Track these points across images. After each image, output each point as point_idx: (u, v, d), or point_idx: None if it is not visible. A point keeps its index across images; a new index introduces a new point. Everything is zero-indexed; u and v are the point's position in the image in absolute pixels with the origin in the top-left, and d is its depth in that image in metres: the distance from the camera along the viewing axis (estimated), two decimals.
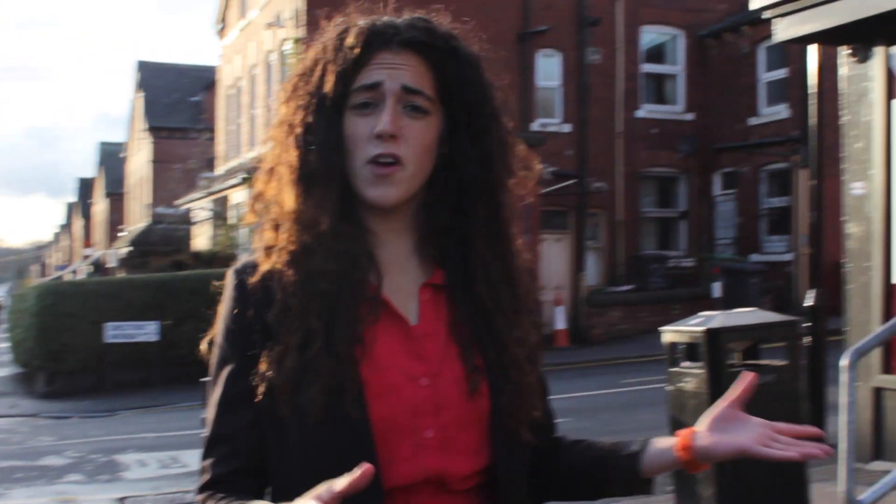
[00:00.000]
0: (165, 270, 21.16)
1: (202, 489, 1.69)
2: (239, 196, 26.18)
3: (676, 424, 6.68)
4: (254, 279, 1.72)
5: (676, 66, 26.47)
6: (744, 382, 1.76)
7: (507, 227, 1.80)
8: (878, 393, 7.78)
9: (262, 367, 1.66)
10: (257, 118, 28.42)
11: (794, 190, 23.12)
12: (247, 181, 24.79)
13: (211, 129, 35.60)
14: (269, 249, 1.75)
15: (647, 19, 25.82)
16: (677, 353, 6.94)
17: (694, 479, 6.49)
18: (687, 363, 6.82)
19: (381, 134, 1.67)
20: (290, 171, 1.74)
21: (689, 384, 6.57)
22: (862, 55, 8.61)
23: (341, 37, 1.76)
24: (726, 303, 18.95)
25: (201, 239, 30.08)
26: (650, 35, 26.23)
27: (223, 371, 1.72)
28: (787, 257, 23.24)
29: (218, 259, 24.09)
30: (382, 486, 1.62)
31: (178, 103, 44.73)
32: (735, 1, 26.14)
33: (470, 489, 1.71)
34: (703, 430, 1.77)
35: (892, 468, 7.40)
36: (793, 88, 23.31)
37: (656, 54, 26.53)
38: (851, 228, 8.71)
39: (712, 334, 6.47)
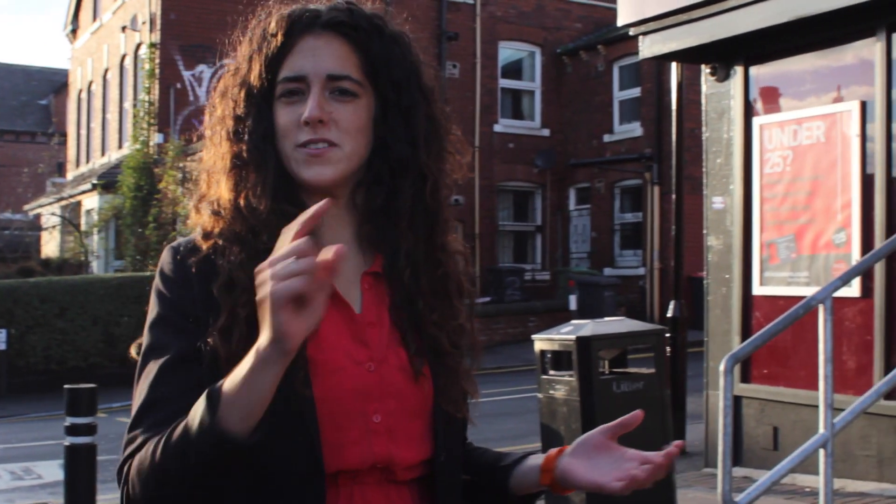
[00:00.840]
0: (12, 277, 20.38)
1: (135, 453, 1.57)
2: (91, 202, 25.47)
3: (547, 431, 6.77)
4: (194, 257, 1.68)
5: (534, 83, 26.90)
6: (629, 418, 1.78)
7: (435, 208, 1.78)
8: (738, 401, 8.02)
9: (209, 339, 1.61)
10: (110, 123, 27.74)
11: (646, 206, 23.73)
12: (97, 187, 24.17)
13: (62, 134, 34.59)
14: (207, 234, 1.71)
15: (504, 35, 26.19)
16: (547, 361, 7.04)
17: None
18: (554, 371, 6.92)
19: (308, 120, 1.65)
20: (224, 164, 1.72)
21: (560, 392, 6.66)
22: (722, 74, 8.89)
23: (264, 27, 1.74)
24: (582, 315, 19.29)
25: (51, 245, 29.17)
26: (508, 51, 26.61)
27: (160, 341, 1.65)
28: (640, 271, 23.83)
29: (68, 266, 23.39)
30: (324, 469, 1.60)
31: (25, 106, 43.36)
32: (590, 20, 26.77)
33: (412, 480, 1.70)
34: (567, 455, 1.78)
35: (750, 473, 7.66)
36: (646, 107, 23.96)
37: (514, 70, 26.92)
38: (712, 242, 8.97)
39: (583, 342, 6.57)
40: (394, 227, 1.73)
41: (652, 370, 6.84)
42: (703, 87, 9.19)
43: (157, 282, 1.71)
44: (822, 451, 4.71)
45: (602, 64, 25.34)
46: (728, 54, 8.74)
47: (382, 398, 1.67)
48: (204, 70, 22.36)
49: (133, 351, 1.73)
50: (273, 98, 1.71)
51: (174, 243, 1.75)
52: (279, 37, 1.70)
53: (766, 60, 8.59)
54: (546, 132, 26.54)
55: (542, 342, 7.03)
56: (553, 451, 1.81)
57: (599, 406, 6.49)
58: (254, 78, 1.71)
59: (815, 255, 7.99)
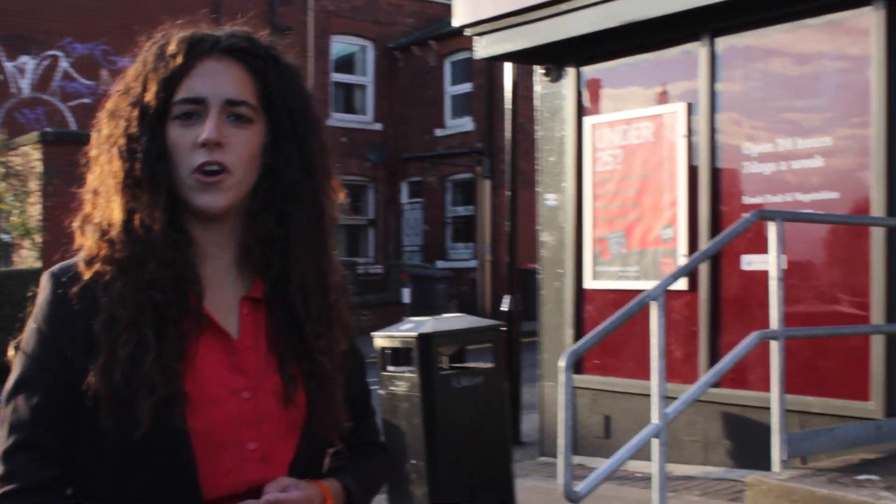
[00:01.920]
0: None
1: (10, 495, 1.60)
2: None
3: (389, 427, 6.86)
4: (75, 287, 1.68)
5: (366, 77, 26.95)
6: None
7: (325, 235, 1.84)
8: (572, 391, 8.27)
9: (89, 378, 1.61)
10: None
11: (477, 200, 24.08)
12: None
13: None
14: (91, 260, 1.71)
15: (337, 29, 26.15)
16: (387, 357, 7.13)
17: (406, 479, 6.70)
18: (393, 367, 7.01)
19: (206, 142, 1.67)
20: (115, 182, 1.71)
21: (401, 388, 6.76)
22: (555, 75, 9.15)
23: (162, 48, 1.75)
24: (415, 308, 19.49)
25: None
26: (340, 45, 26.58)
27: (35, 378, 1.65)
28: (472, 264, 24.17)
29: None
30: (202, 498, 1.65)
31: None
32: (423, 16, 26.97)
33: None
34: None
35: (585, 461, 7.93)
36: (477, 102, 24.29)
37: (346, 64, 26.91)
38: (545, 237, 9.23)
39: (424, 339, 6.69)
40: (282, 254, 1.77)
41: (490, 364, 7.01)
42: (537, 88, 9.43)
43: (36, 311, 1.71)
44: (655, 441, 4.94)
45: (434, 59, 25.58)
46: (561, 56, 8.99)
47: (258, 424, 1.71)
48: (27, 61, 21.61)
49: (11, 352, 1.73)
50: (166, 117, 1.72)
51: (55, 269, 1.74)
52: (179, 58, 1.72)
53: (597, 62, 8.88)
54: (378, 126, 26.64)
55: (382, 339, 7.12)
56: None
57: (440, 401, 6.62)
58: (149, 97, 1.71)
59: (644, 250, 8.32)
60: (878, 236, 6.88)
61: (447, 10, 26.47)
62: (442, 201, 25.59)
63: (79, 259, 1.73)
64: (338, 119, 25.92)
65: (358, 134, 26.06)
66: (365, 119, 26.72)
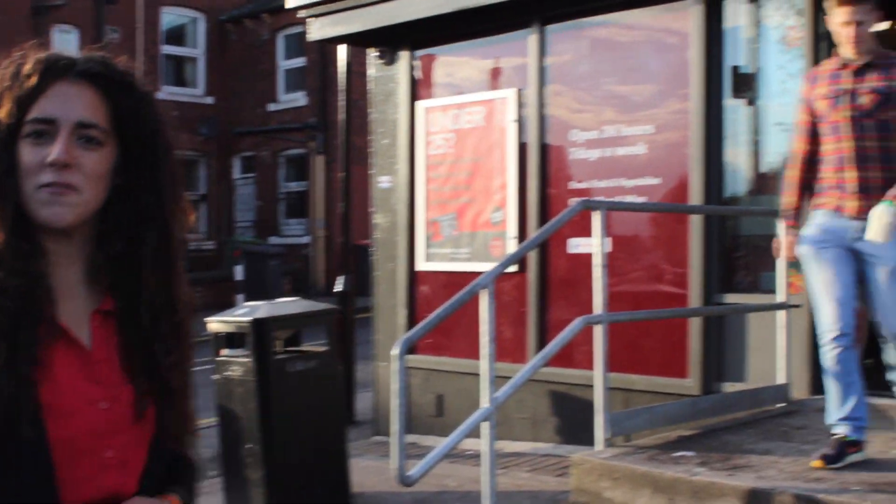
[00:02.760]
0: None
1: None
2: None
3: (224, 411, 6.86)
4: None
5: (197, 50, 26.49)
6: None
7: (175, 256, 1.89)
8: (405, 371, 8.41)
9: None
10: None
11: (311, 175, 24.01)
12: None
13: None
14: None
15: (167, 1, 25.60)
16: (221, 341, 7.11)
17: (242, 463, 6.72)
18: (228, 351, 7.01)
19: (54, 163, 1.71)
20: None
21: (236, 372, 6.76)
22: (389, 58, 9.23)
23: (19, 67, 1.78)
24: (248, 285, 19.34)
25: None
26: (170, 16, 26.04)
27: None
28: (305, 240, 24.13)
29: None
30: None
31: None
32: None
33: None
34: None
35: (418, 440, 8.09)
36: (310, 77, 24.18)
37: (177, 36, 26.38)
38: (378, 219, 9.33)
39: (258, 324, 6.70)
40: (132, 273, 1.82)
41: (324, 348, 7.07)
42: (371, 70, 9.50)
43: None
44: (485, 424, 5.11)
45: (267, 33, 25.32)
46: (395, 39, 9.08)
47: (115, 433, 1.77)
48: None
49: None
50: (18, 135, 1.75)
51: None
52: (34, 78, 1.74)
53: (431, 46, 9.01)
54: (210, 100, 26.24)
55: (216, 324, 7.09)
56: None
57: (275, 386, 6.65)
58: (2, 115, 1.74)
59: (475, 232, 8.50)
60: (696, 221, 7.22)
61: None
62: (275, 177, 25.42)
63: None
64: (168, 92, 25.41)
65: (189, 108, 25.59)
66: (196, 92, 26.27)
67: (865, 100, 5.00)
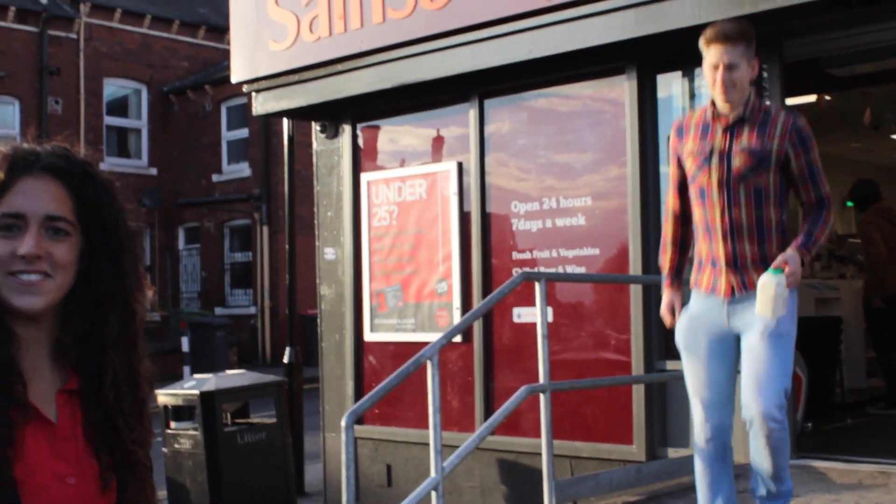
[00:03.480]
0: None
1: None
2: None
3: (173, 484, 6.89)
4: None
5: (140, 121, 26.53)
6: None
7: (136, 335, 1.99)
8: (354, 442, 8.46)
9: None
10: None
11: (255, 245, 24.03)
12: None
13: None
14: None
15: (110, 72, 25.66)
16: (170, 413, 7.16)
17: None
18: (177, 424, 7.05)
19: (26, 256, 1.81)
20: None
21: (185, 445, 6.80)
22: (331, 131, 9.38)
23: None
24: (194, 356, 19.23)
25: None
26: (113, 87, 26.09)
27: None
28: (251, 311, 24.08)
29: None
30: None
31: None
32: (197, 60, 26.79)
33: None
34: None
35: None
36: (254, 148, 24.31)
37: (120, 107, 26.42)
38: (324, 291, 9.40)
39: (207, 397, 6.77)
40: (96, 353, 1.92)
41: (273, 420, 7.13)
42: (314, 144, 9.63)
43: None
44: (434, 493, 5.19)
45: (210, 104, 25.44)
46: (337, 114, 9.23)
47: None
48: None
49: None
50: None
51: None
52: (0, 175, 1.85)
53: (373, 119, 9.17)
54: (154, 171, 26.24)
55: (165, 397, 7.15)
56: None
57: (224, 458, 6.70)
58: None
59: (420, 303, 8.61)
60: (636, 290, 7.39)
61: (222, 54, 26.48)
62: (220, 247, 25.41)
63: None
64: (111, 163, 25.37)
65: (133, 179, 25.57)
66: (140, 164, 26.27)
67: (737, 162, 4.40)
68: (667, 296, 4.79)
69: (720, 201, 4.42)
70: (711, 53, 4.40)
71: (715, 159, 4.43)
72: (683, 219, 4.68)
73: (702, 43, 4.44)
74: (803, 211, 4.49)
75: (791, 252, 4.25)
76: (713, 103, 4.49)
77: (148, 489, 2.00)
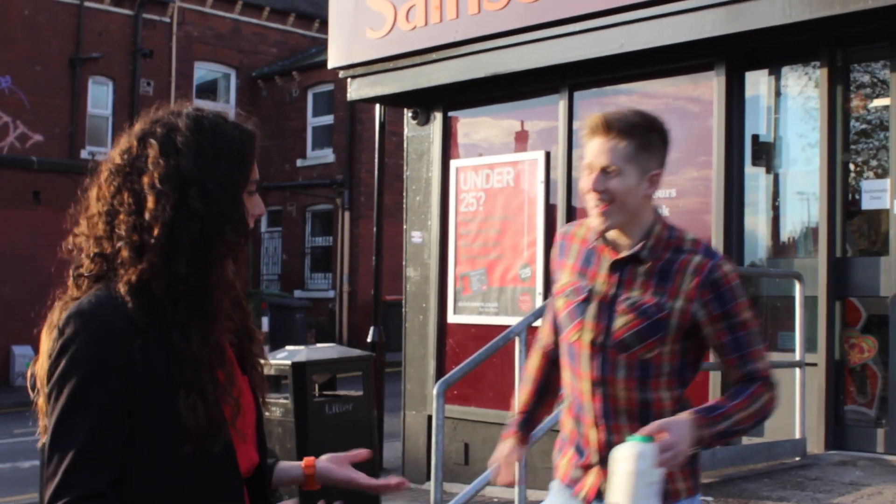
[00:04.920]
0: None
1: (82, 499, 1.92)
2: None
3: None
4: (128, 320, 2.01)
5: (228, 104, 27.06)
6: (357, 454, 2.53)
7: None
8: (431, 420, 8.74)
9: (180, 408, 1.99)
10: None
11: (336, 230, 24.44)
12: None
13: None
14: (164, 297, 2.06)
15: (200, 56, 26.22)
16: None
17: (279, 500, 7.03)
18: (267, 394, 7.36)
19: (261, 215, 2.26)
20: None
21: (275, 413, 7.11)
22: (422, 119, 9.65)
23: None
24: (273, 337, 19.68)
25: None
26: (203, 71, 26.65)
27: (95, 395, 1.96)
28: (330, 294, 24.49)
29: None
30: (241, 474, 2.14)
31: None
32: (286, 46, 27.25)
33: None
34: (323, 460, 2.49)
35: (445, 487, 8.36)
36: (338, 134, 24.70)
37: (209, 90, 26.99)
38: (410, 273, 9.68)
39: (298, 367, 7.07)
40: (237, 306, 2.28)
41: (359, 392, 7.41)
42: (406, 130, 9.91)
43: (86, 339, 2.01)
44: (516, 464, 5.41)
45: (296, 90, 25.89)
46: (429, 101, 9.50)
47: (246, 415, 2.18)
48: None
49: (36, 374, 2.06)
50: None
51: (97, 304, 2.04)
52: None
53: (464, 108, 9.42)
54: None
55: None
56: (307, 459, 2.50)
57: (313, 427, 6.99)
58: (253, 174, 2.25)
59: (504, 287, 8.85)
60: None
61: (310, 41, 26.90)
62: (301, 231, 25.87)
63: (126, 291, 2.05)
64: None
65: None
66: None
67: (620, 323, 2.98)
68: (504, 446, 3.31)
69: (591, 372, 3.02)
70: (588, 149, 3.00)
71: (591, 311, 3.03)
72: (555, 358, 3.26)
73: (583, 133, 3.08)
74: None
75: (676, 418, 2.80)
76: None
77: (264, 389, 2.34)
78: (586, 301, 3.03)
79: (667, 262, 2.96)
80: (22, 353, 19.49)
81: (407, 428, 9.46)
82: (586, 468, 3.06)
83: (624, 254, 2.98)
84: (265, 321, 20.48)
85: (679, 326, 2.93)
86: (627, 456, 2.64)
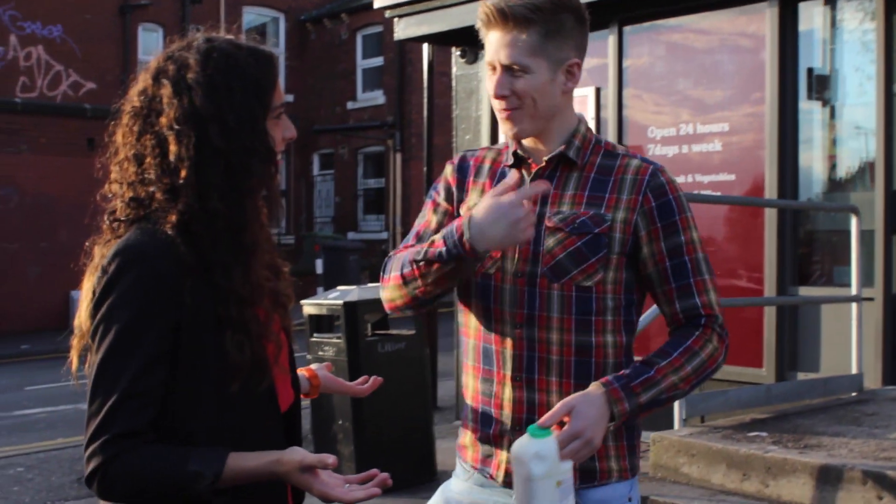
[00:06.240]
0: None
1: (120, 437, 1.93)
2: None
3: None
4: (176, 259, 1.99)
5: (277, 49, 27.04)
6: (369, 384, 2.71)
7: None
8: None
9: (227, 346, 2.01)
10: None
11: (388, 172, 24.45)
12: None
13: None
14: (206, 238, 2.04)
15: (248, 0, 26.20)
16: (314, 324, 7.51)
17: (333, 439, 7.10)
18: (318, 334, 7.41)
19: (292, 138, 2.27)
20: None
21: (329, 353, 7.16)
22: (471, 57, 9.58)
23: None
24: (327, 278, 19.80)
25: None
26: (251, 16, 26.63)
27: (143, 333, 1.95)
28: (383, 236, 24.57)
29: None
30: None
31: None
32: None
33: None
34: (322, 370, 2.65)
35: None
36: (387, 76, 24.61)
37: (259, 35, 26.95)
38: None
39: (349, 307, 7.09)
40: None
41: (411, 332, 7.43)
42: (454, 69, 9.84)
43: (130, 279, 1.99)
44: None
45: (346, 32, 25.81)
46: (477, 39, 9.35)
47: (281, 352, 2.19)
48: None
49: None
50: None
51: (144, 243, 2.03)
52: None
53: None
54: (290, 98, 26.72)
55: (310, 307, 7.50)
56: (308, 369, 2.61)
57: (365, 365, 7.02)
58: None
59: None
60: (770, 216, 7.46)
61: None
62: (353, 174, 25.91)
63: (171, 232, 2.02)
64: None
65: None
66: None
67: (552, 242, 2.40)
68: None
69: (516, 312, 2.41)
70: (487, 45, 2.47)
71: None
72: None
73: (478, 26, 2.50)
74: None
75: (584, 395, 2.28)
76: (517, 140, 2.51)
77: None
78: None
79: (600, 168, 2.44)
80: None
81: (460, 367, 9.48)
82: (498, 440, 2.43)
83: (546, 157, 2.45)
84: (319, 263, 20.62)
85: (622, 244, 2.39)
86: (523, 458, 2.16)
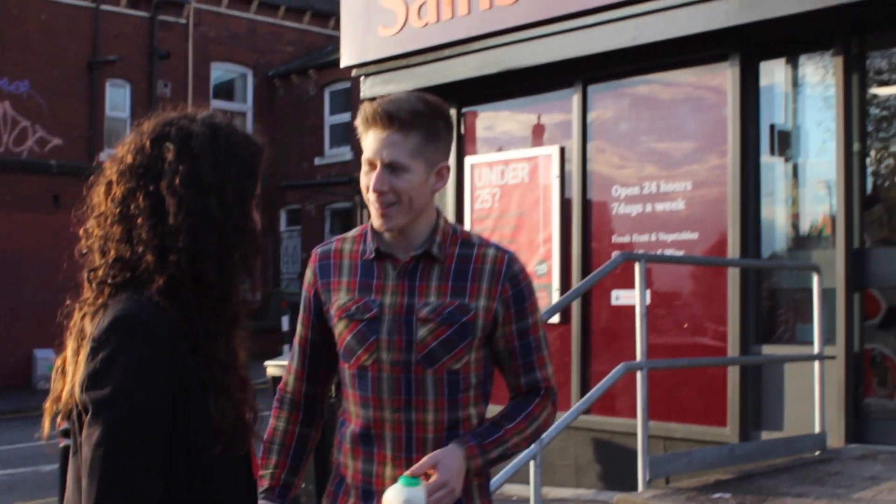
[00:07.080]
0: None
1: None
2: None
3: None
4: (170, 328, 2.01)
5: (245, 104, 27.11)
6: None
7: None
8: None
9: (211, 410, 2.02)
10: None
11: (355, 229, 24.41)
12: None
13: None
14: (189, 305, 2.06)
15: (217, 56, 26.26)
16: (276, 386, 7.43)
17: (297, 502, 7.01)
18: None
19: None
20: None
21: None
22: None
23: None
24: (294, 335, 19.66)
25: None
26: (220, 72, 26.70)
27: (155, 406, 1.96)
28: None
29: None
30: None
31: None
32: (301, 45, 27.26)
33: None
34: None
35: None
36: (355, 132, 24.60)
37: (226, 91, 27.03)
38: None
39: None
40: None
41: None
42: None
43: (138, 348, 1.99)
44: (532, 463, 5.38)
45: (313, 88, 25.90)
46: (443, 97, 9.42)
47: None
48: None
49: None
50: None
51: (141, 311, 2.03)
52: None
53: (478, 104, 9.39)
54: None
55: (273, 368, 7.43)
56: None
57: (330, 430, 6.94)
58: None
59: None
60: (733, 275, 7.48)
61: (326, 39, 26.87)
62: (321, 229, 25.87)
63: (158, 297, 2.03)
64: None
65: None
66: None
67: (425, 332, 2.58)
68: None
69: (395, 398, 2.58)
70: (367, 143, 2.63)
71: (387, 326, 2.60)
72: (307, 413, 2.91)
73: (358, 123, 2.66)
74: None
75: (447, 451, 2.52)
76: (375, 230, 2.68)
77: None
78: (378, 318, 2.59)
79: (460, 259, 2.61)
80: (44, 357, 19.58)
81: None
82: None
83: (412, 254, 2.60)
84: (285, 320, 20.49)
85: (483, 328, 2.60)
86: (395, 503, 2.35)
